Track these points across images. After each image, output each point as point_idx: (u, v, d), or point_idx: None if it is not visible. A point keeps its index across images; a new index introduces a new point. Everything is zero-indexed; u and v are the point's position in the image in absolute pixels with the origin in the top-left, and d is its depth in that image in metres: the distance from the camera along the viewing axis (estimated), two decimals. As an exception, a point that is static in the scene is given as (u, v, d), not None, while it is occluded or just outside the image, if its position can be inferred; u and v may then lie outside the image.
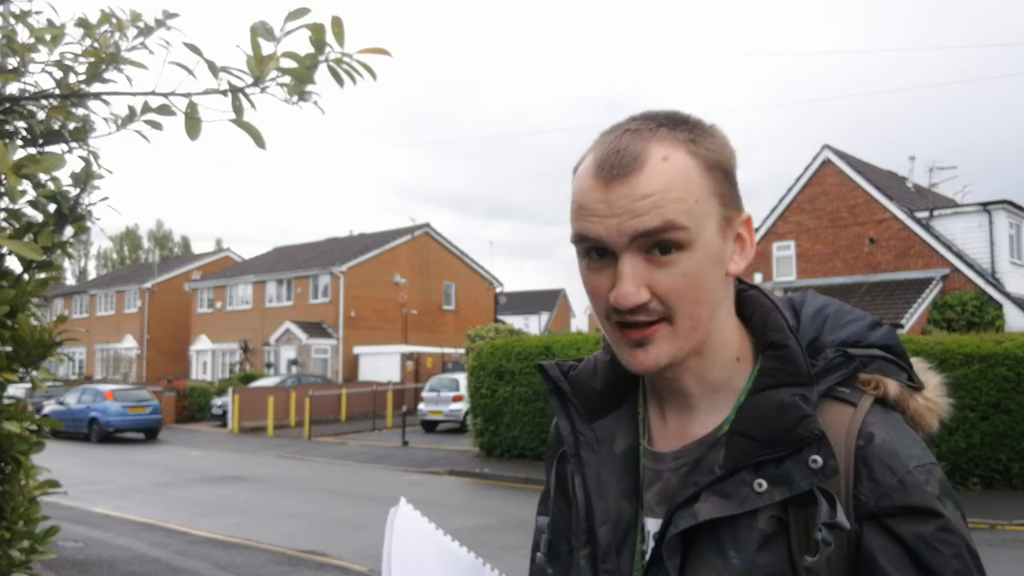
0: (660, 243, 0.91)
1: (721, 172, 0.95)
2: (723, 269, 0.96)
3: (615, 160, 0.92)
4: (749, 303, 1.04)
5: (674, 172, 0.92)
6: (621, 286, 0.92)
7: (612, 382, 1.10)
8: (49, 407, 25.15)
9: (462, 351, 25.25)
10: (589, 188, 0.94)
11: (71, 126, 2.32)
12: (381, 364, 33.48)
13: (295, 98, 1.84)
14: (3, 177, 2.02)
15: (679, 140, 0.94)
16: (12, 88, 2.21)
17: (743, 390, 0.99)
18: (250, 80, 1.82)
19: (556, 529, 1.13)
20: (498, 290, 43.48)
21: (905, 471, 0.89)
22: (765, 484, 0.91)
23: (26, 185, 2.17)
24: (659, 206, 0.90)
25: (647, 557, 0.99)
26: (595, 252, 0.95)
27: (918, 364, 1.03)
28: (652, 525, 1.00)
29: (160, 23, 2.10)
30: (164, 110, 2.01)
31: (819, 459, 0.88)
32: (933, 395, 1.00)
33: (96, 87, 2.15)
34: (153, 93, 1.98)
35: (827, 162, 23.92)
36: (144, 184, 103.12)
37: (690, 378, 1.00)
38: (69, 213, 2.30)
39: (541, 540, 1.15)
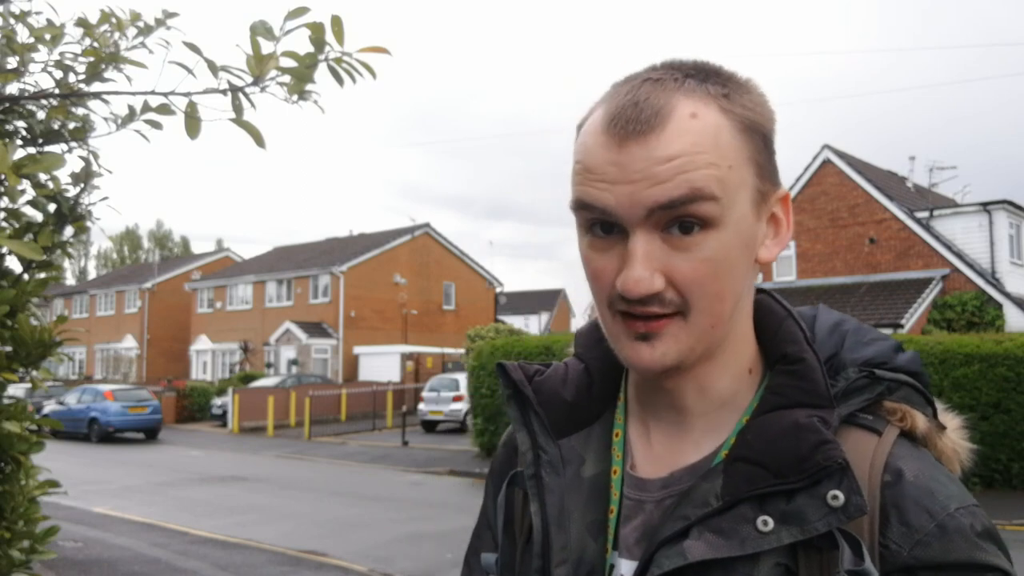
0: (682, 218, 0.75)
1: (758, 136, 0.79)
2: (753, 255, 0.81)
3: (632, 113, 0.75)
4: (759, 308, 0.88)
5: (703, 132, 0.75)
6: (631, 270, 0.75)
7: (585, 394, 0.92)
8: (49, 407, 25.14)
9: (462, 351, 25.26)
10: (597, 146, 0.77)
11: (71, 126, 2.32)
12: (381, 364, 33.47)
13: (295, 97, 1.84)
14: (3, 177, 2.01)
15: (710, 95, 0.77)
16: (12, 88, 2.21)
17: (747, 409, 0.83)
18: (250, 79, 1.82)
19: (507, 569, 0.93)
20: (498, 290, 43.46)
21: (945, 513, 0.73)
22: (772, 522, 0.74)
23: (26, 185, 2.17)
24: (685, 171, 0.74)
25: None
26: (600, 227, 0.78)
27: (937, 403, 0.88)
28: (627, 568, 0.82)
29: (160, 22, 2.10)
30: (164, 109, 2.01)
31: (840, 495, 0.72)
32: (956, 437, 0.86)
33: (96, 87, 2.15)
34: (153, 92, 1.97)
35: (827, 162, 23.91)
36: (144, 184, 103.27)
37: (693, 389, 0.84)
38: (69, 213, 2.30)
39: None
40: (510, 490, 0.94)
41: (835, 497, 0.73)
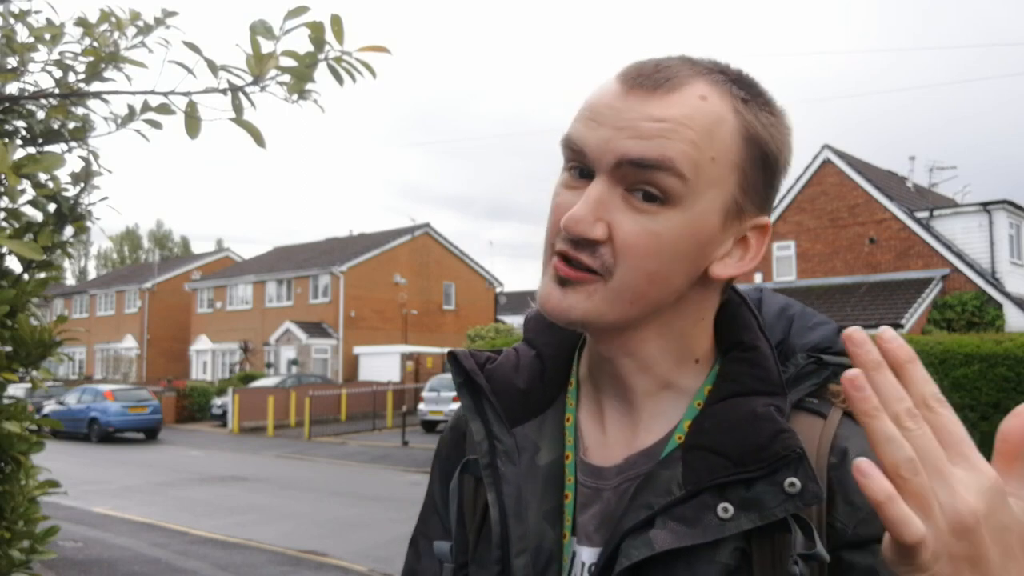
0: (645, 184, 0.75)
1: (758, 152, 0.79)
2: (704, 259, 0.80)
3: (649, 70, 0.78)
4: None
5: (704, 114, 0.76)
6: (578, 208, 0.76)
7: (538, 380, 0.92)
8: (49, 407, 25.13)
9: (462, 351, 25.23)
10: (606, 90, 0.80)
11: (71, 125, 2.32)
12: (381, 364, 33.46)
13: (295, 97, 1.84)
14: (3, 177, 2.01)
15: (731, 93, 0.78)
16: (12, 87, 2.21)
17: (697, 394, 0.84)
18: (250, 79, 1.82)
19: (461, 556, 0.93)
20: (498, 290, 43.46)
21: None
22: (732, 509, 0.76)
23: (26, 185, 2.17)
24: (665, 136, 0.74)
25: None
26: (579, 172, 0.80)
27: None
28: (588, 555, 0.84)
29: (159, 22, 2.10)
30: (164, 109, 2.00)
31: (797, 482, 0.74)
32: None
33: (96, 86, 2.15)
34: (153, 92, 1.97)
35: (827, 162, 23.90)
36: (144, 184, 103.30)
37: (631, 365, 0.85)
38: (69, 213, 2.30)
39: (443, 571, 0.94)
40: (462, 477, 0.94)
41: (792, 484, 0.74)
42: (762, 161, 0.79)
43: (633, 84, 0.77)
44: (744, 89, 0.79)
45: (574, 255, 0.77)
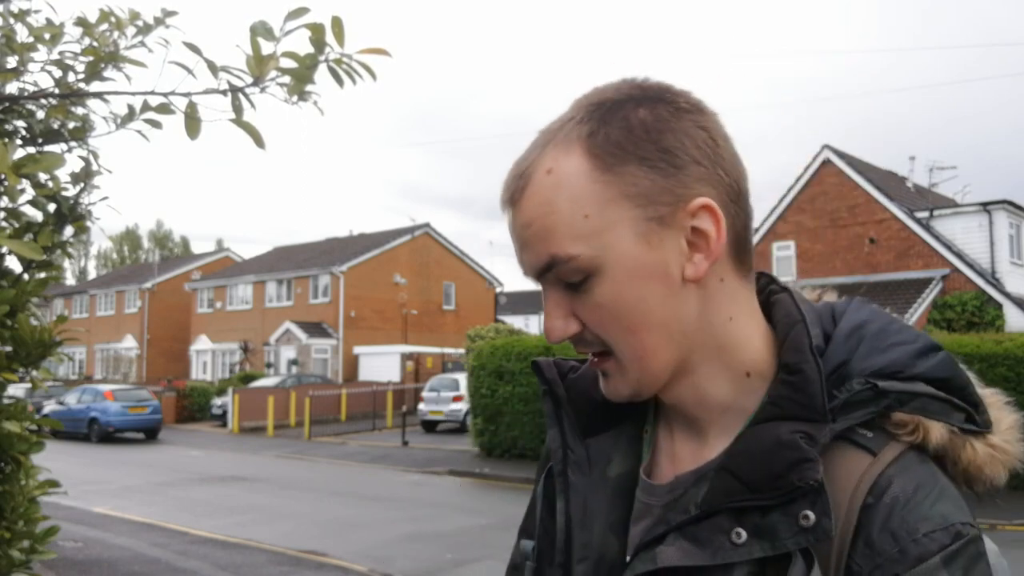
0: (563, 277, 0.79)
1: (636, 163, 0.76)
2: (670, 280, 0.78)
3: (508, 181, 0.82)
4: (777, 309, 0.85)
5: (554, 187, 0.77)
6: (545, 319, 0.83)
7: None
8: (49, 407, 25.14)
9: (462, 351, 25.25)
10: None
11: (70, 125, 2.32)
12: (381, 364, 33.47)
13: (295, 98, 1.84)
14: (3, 177, 2.01)
15: (579, 137, 0.78)
16: (11, 87, 2.21)
17: (752, 415, 0.82)
18: (250, 80, 1.82)
19: (543, 555, 0.94)
20: (498, 290, 43.45)
21: (911, 538, 0.71)
22: (745, 535, 0.74)
23: (25, 184, 2.17)
24: (540, 238, 0.78)
25: None
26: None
27: (993, 399, 0.82)
28: None
29: (159, 21, 2.10)
30: (164, 109, 2.00)
31: (812, 516, 0.72)
32: (1002, 439, 0.79)
33: (95, 86, 2.15)
34: (153, 92, 1.97)
35: (827, 162, 23.91)
36: (144, 184, 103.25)
37: (691, 399, 0.84)
38: (69, 213, 2.30)
39: (525, 568, 0.96)
40: (549, 483, 0.96)
41: (806, 517, 0.72)
42: (645, 164, 0.76)
43: (505, 203, 0.82)
44: (598, 115, 0.78)
45: (582, 351, 0.83)
